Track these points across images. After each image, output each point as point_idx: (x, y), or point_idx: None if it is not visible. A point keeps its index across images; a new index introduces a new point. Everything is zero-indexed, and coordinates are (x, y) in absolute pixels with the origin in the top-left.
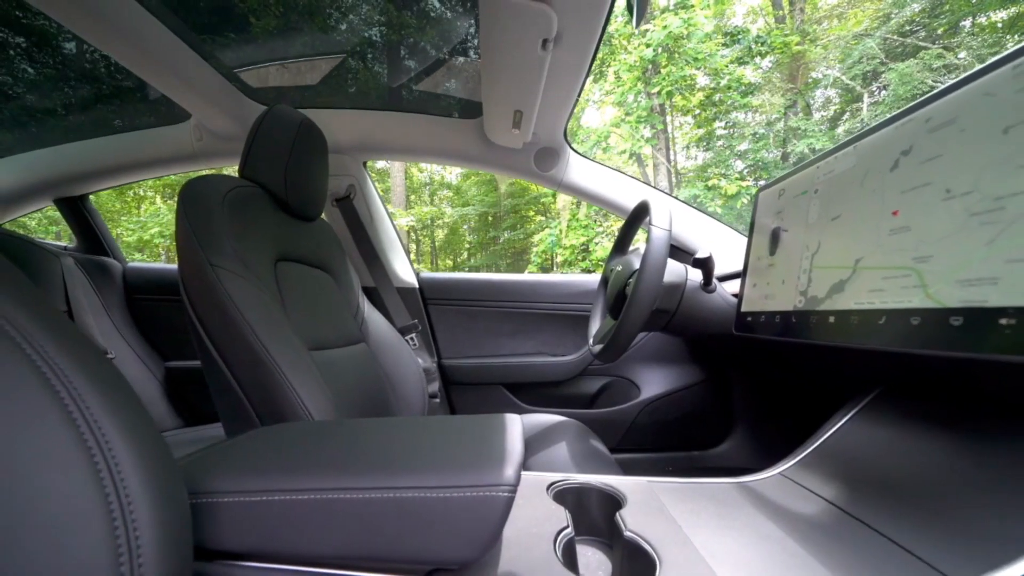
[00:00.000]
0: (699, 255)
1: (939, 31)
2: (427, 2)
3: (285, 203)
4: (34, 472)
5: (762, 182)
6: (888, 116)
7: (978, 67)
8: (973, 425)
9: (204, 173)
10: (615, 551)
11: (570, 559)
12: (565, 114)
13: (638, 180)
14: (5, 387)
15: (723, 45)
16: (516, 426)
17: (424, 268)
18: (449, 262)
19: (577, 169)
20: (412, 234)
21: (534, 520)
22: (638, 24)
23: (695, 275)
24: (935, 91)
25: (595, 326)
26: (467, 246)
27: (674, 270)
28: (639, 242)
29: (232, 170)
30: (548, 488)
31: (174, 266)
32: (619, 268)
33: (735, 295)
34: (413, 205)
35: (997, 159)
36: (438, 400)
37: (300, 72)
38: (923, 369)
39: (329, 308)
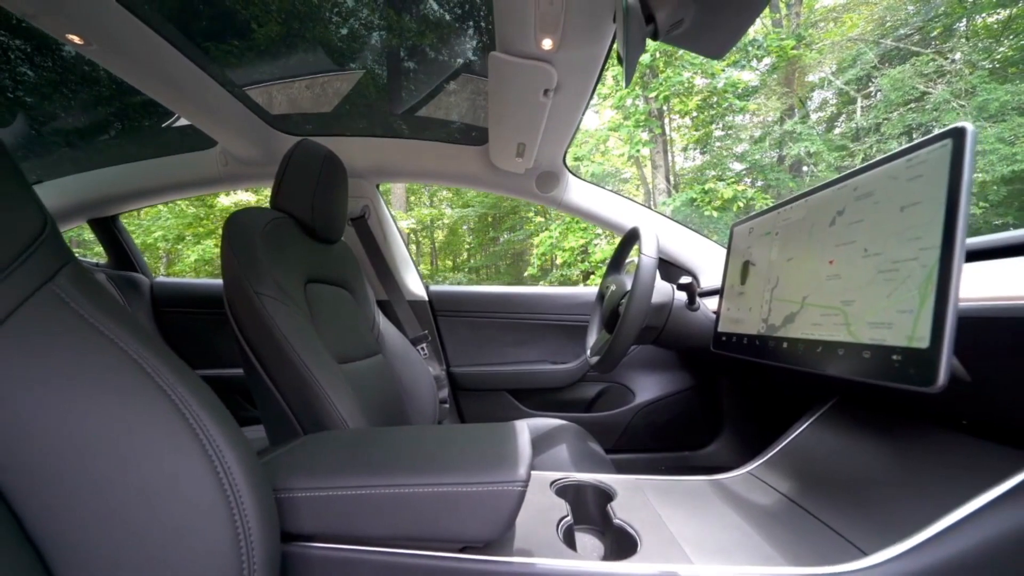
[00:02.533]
0: (682, 281)
1: (933, 34)
2: (427, 4)
3: (312, 229)
4: (168, 466)
5: (742, 206)
6: (830, 179)
7: (888, 154)
8: (895, 432)
9: (249, 206)
10: (606, 536)
11: (570, 541)
12: (564, 143)
13: (631, 200)
14: (137, 398)
15: None
16: (525, 433)
17: (424, 269)
18: (449, 262)
19: (575, 190)
20: (412, 235)
21: (540, 510)
22: (628, 83)
23: (681, 295)
24: (863, 165)
25: (592, 338)
26: (467, 246)
27: (662, 290)
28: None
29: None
30: (551, 484)
31: (197, 280)
32: (613, 288)
33: (715, 312)
34: (413, 207)
35: (896, 230)
36: (447, 406)
37: (320, 101)
38: (864, 385)
39: (351, 324)
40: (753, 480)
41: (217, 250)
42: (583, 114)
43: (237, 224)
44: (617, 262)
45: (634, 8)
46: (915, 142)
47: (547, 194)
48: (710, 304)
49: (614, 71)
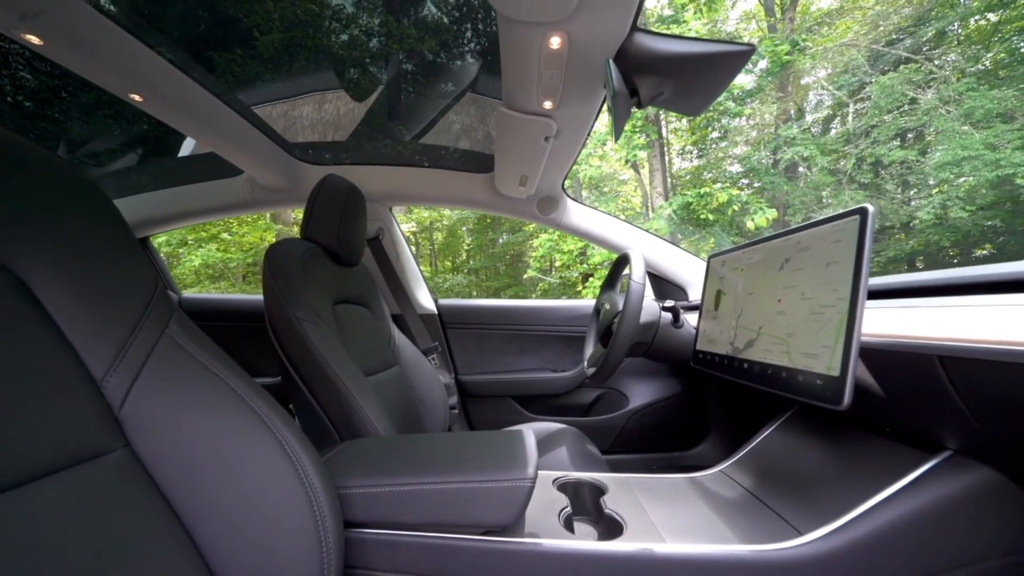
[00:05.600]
0: (667, 304)
1: (926, 37)
2: (426, 7)
3: (337, 255)
4: (264, 471)
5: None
6: (783, 230)
7: (822, 218)
8: (836, 437)
9: (288, 236)
10: (599, 523)
11: (569, 527)
12: (563, 173)
13: (623, 221)
14: (236, 419)
15: None
16: (532, 439)
17: (424, 270)
18: (448, 263)
19: (573, 213)
20: (412, 237)
21: (545, 502)
22: (617, 137)
23: (667, 315)
24: (805, 223)
25: (589, 350)
26: (466, 247)
27: (650, 310)
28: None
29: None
30: (553, 482)
31: (221, 296)
32: (607, 306)
33: (695, 327)
34: (412, 209)
35: (823, 281)
36: (456, 411)
37: (338, 132)
38: None
39: (372, 339)
40: (723, 477)
41: (219, 254)
42: (580, 148)
43: (277, 255)
44: (611, 281)
45: (620, 89)
46: (837, 212)
47: (547, 216)
48: (695, 319)
49: None
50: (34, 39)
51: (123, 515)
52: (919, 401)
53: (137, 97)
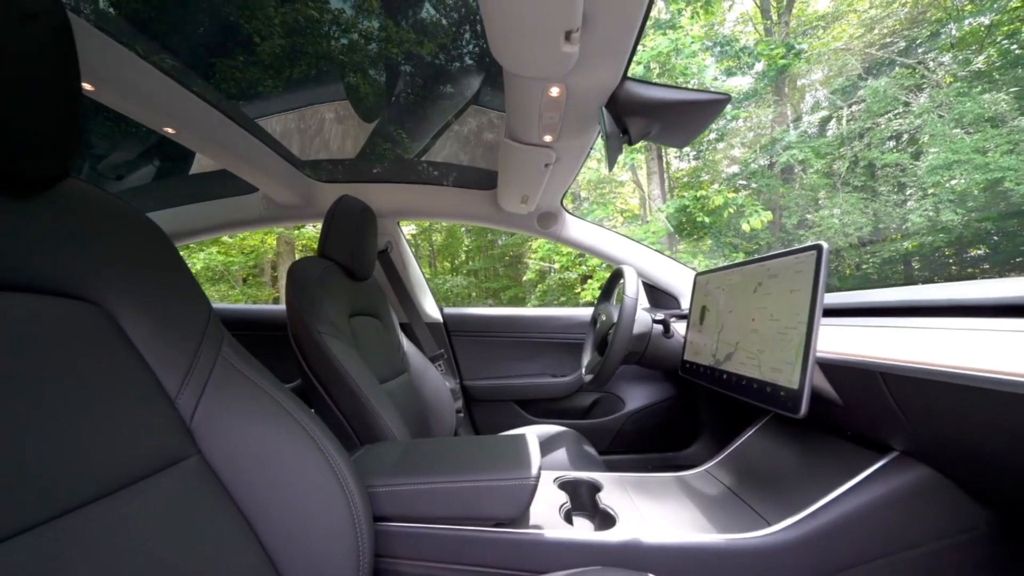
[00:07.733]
0: (657, 316)
1: (919, 40)
2: (424, 12)
3: (351, 272)
4: (306, 474)
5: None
6: (757, 257)
7: (788, 249)
8: (805, 440)
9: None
10: (595, 517)
11: (568, 520)
12: (562, 191)
13: (618, 233)
14: (282, 429)
15: (711, 56)
16: (535, 441)
17: (424, 271)
18: (447, 264)
19: (571, 227)
20: (412, 239)
21: (547, 499)
22: (611, 169)
23: (658, 326)
24: (775, 252)
25: (587, 357)
26: (465, 248)
27: (642, 321)
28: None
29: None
30: (554, 480)
31: (233, 306)
32: (603, 317)
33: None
34: None
35: (788, 306)
36: (462, 415)
37: (348, 151)
38: None
39: (383, 348)
40: (707, 476)
41: (220, 257)
42: (578, 171)
43: (299, 274)
44: (608, 292)
45: (612, 131)
46: (800, 246)
47: (547, 230)
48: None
49: None
50: (87, 86)
51: (201, 515)
52: (869, 409)
53: (170, 130)
